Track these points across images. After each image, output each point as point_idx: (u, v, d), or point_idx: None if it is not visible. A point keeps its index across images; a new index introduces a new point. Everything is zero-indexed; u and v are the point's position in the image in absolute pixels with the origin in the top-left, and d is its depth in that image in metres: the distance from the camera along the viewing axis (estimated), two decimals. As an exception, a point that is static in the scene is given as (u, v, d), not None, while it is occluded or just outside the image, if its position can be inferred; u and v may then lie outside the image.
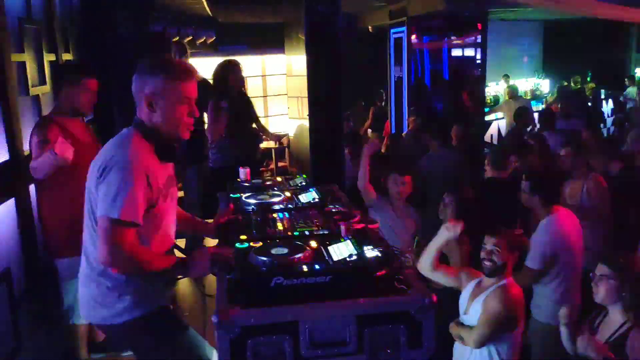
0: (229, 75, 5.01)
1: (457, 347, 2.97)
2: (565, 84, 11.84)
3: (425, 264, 3.02)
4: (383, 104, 9.39)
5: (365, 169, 3.92)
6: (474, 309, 2.86)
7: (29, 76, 3.62)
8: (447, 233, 2.88)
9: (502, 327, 2.76)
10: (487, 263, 2.85)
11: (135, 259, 2.09)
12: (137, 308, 2.22)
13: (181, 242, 3.17)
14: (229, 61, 5.12)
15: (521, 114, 7.00)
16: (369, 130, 9.17)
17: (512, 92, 9.31)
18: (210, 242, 5.33)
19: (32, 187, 3.45)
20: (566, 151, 4.37)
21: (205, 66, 7.68)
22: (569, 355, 2.74)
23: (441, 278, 3.07)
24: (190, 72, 2.19)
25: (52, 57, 4.05)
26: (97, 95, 3.44)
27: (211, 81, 5.18)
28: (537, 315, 3.50)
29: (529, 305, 3.43)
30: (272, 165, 8.00)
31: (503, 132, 9.29)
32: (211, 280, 4.76)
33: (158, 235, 2.25)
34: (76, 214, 3.16)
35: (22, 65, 3.57)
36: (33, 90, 3.67)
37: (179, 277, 2.42)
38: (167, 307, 2.39)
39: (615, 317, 2.60)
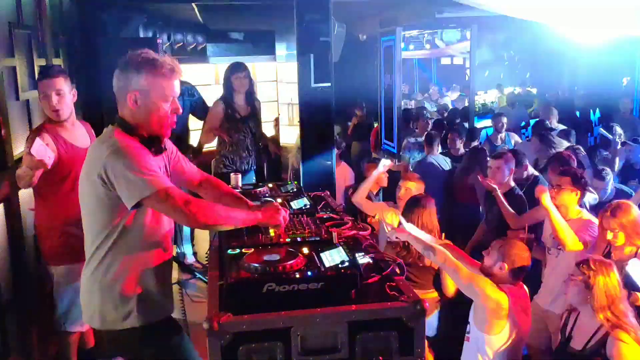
0: (232, 79, 4.85)
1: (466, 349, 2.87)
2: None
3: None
4: (365, 111, 9.32)
5: None
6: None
7: (19, 81, 3.60)
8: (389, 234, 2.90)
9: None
10: None
11: (202, 204, 2.14)
12: (142, 315, 2.20)
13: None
14: (232, 64, 4.95)
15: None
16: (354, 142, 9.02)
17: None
18: (201, 248, 5.33)
19: (22, 193, 3.42)
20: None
21: (195, 72, 7.69)
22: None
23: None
24: (174, 69, 2.18)
25: (43, 62, 4.03)
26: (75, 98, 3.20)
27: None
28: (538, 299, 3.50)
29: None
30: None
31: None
32: (198, 286, 4.78)
33: (162, 220, 2.26)
34: (72, 220, 3.04)
35: (12, 69, 3.55)
36: (23, 95, 3.65)
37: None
38: (172, 318, 2.36)
39: (588, 321, 2.61)
